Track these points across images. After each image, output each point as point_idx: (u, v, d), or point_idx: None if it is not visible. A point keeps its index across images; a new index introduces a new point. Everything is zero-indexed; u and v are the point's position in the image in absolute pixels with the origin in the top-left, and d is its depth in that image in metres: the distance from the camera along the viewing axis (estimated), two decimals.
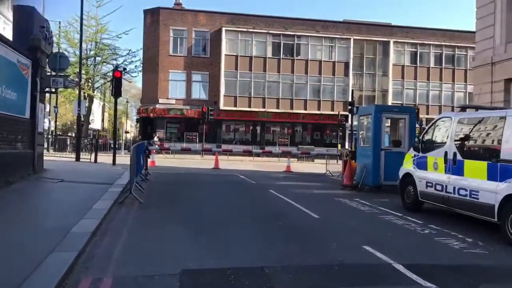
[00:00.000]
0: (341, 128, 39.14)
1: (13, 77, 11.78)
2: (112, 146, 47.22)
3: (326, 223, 8.33)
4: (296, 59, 40.18)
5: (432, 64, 42.68)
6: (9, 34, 13.50)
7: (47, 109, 44.52)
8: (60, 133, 70.02)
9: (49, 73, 14.56)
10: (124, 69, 19.89)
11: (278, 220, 8.31)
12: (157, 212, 8.85)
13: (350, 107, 23.81)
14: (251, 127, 41.06)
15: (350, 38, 40.97)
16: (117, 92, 18.22)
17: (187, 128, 40.11)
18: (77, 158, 21.37)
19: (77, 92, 28.35)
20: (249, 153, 30.31)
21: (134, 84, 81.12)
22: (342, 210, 10.00)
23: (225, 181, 15.54)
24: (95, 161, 20.99)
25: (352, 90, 29.56)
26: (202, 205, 9.87)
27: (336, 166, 21.71)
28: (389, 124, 15.09)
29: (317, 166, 27.07)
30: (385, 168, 13.49)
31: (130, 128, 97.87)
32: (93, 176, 14.23)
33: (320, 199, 11.87)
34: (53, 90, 14.40)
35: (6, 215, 7.43)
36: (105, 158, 23.00)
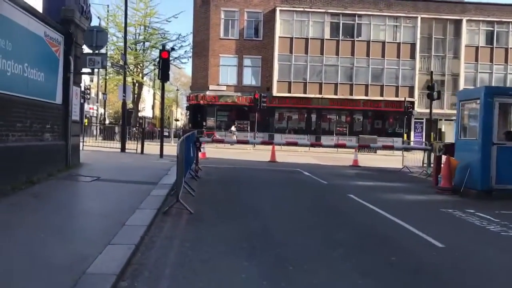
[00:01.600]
0: (406, 117, 35.63)
1: (40, 54, 9.74)
2: (160, 134, 46.28)
3: (461, 259, 5.61)
4: (357, 41, 36.86)
5: (511, 45, 38.06)
6: (38, 5, 11.50)
7: (95, 95, 43.68)
8: (113, 121, 70.18)
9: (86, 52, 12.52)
10: (173, 48, 17.70)
11: (385, 251, 5.69)
12: (212, 231, 6.46)
13: (429, 92, 20.55)
14: (305, 115, 38.28)
15: (417, 17, 37.12)
16: (164, 75, 16.06)
17: (238, 116, 37.92)
18: (122, 149, 19.56)
19: (127, 79, 26.77)
20: (312, 146, 27.82)
21: (184, 72, 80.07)
22: (465, 231, 7.21)
23: (290, 180, 13.02)
24: (142, 152, 19.09)
25: (432, 72, 25.93)
26: (271, 221, 7.37)
27: (409, 160, 18.68)
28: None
29: (385, 159, 24.06)
30: (497, 168, 10.51)
31: (180, 116, 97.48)
32: (136, 172, 12.12)
33: (422, 210, 9.10)
34: (90, 71, 12.36)
35: None
36: (152, 148, 21.10)
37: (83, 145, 19.05)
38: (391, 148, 21.61)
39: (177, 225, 6.75)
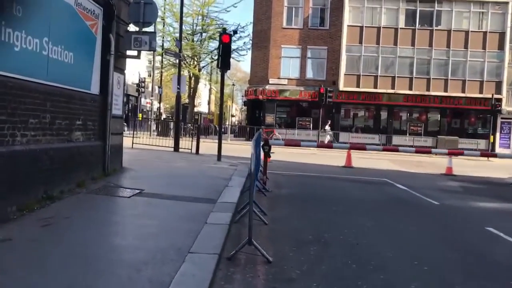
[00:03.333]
0: (491, 116, 31.31)
1: (67, 27, 7.39)
2: (216, 130, 44.02)
3: None
4: (436, 30, 32.78)
5: None
6: None
7: (151, 89, 42.24)
8: (169, 116, 69.37)
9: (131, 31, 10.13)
10: (235, 31, 15.05)
11: None
12: None
13: None
14: (374, 112, 34.70)
15: (507, 2, 32.48)
16: (224, 62, 13.50)
17: (299, 112, 34.96)
18: (176, 148, 17.28)
19: (183, 72, 24.42)
20: (386, 151, 24.24)
21: (239, 67, 78.14)
22: None
23: (389, 199, 9.92)
24: (197, 151, 16.71)
25: None
26: None
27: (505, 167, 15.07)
28: None
29: (474, 165, 20.41)
30: None
31: (235, 111, 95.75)
32: (189, 181, 9.61)
33: None
34: (135, 54, 9.96)
35: None
36: (208, 146, 18.72)
37: (132, 143, 16.99)
38: (493, 156, 17.91)
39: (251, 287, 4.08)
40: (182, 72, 19.08)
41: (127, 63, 10.47)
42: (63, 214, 5.90)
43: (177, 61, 19.77)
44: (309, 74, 34.43)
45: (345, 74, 33.12)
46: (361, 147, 16.16)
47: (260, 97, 34.47)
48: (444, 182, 13.71)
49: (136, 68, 40.55)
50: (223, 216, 6.60)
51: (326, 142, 29.68)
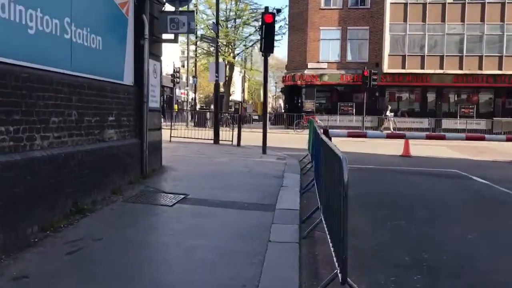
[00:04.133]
0: None
1: (94, 7, 6.24)
2: (252, 119, 42.70)
3: None
4: (488, 3, 30.26)
5: None
6: None
7: (186, 79, 41.31)
8: (203, 106, 68.58)
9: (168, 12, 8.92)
10: (278, 10, 13.67)
11: None
12: None
13: None
14: (421, 95, 32.59)
15: None
16: (268, 45, 12.15)
17: (341, 97, 33.24)
18: (216, 140, 16.15)
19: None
20: (432, 138, 22.15)
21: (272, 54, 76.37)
22: None
23: (477, 197, 8.24)
24: (238, 143, 15.54)
25: None
26: None
27: None
28: None
29: None
30: None
31: (269, 100, 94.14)
32: (237, 181, 8.39)
33: None
34: (172, 37, 8.76)
35: None
36: (247, 136, 17.47)
37: (170, 136, 15.97)
38: None
39: None
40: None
41: (163, 49, 9.29)
42: (95, 234, 4.77)
43: (213, 48, 18.63)
44: (350, 57, 32.61)
45: (389, 55, 31.13)
46: (440, 137, 13.75)
47: (299, 82, 32.97)
48: None
49: (170, 58, 39.68)
50: (288, 230, 5.35)
51: (391, 129, 28.03)
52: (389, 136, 13.02)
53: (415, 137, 13.82)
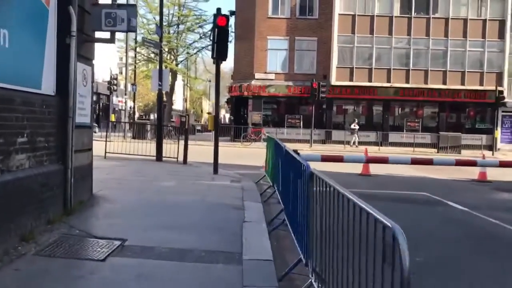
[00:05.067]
0: (491, 109, 29.44)
1: None
2: (195, 130, 40.88)
3: None
4: (433, 18, 30.65)
5: None
6: None
7: (124, 87, 38.84)
8: (142, 114, 65.70)
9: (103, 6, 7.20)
10: (232, 12, 12.29)
11: None
12: None
13: None
14: (368, 108, 32.38)
15: None
16: (221, 50, 10.67)
17: (288, 110, 32.37)
18: (158, 158, 14.37)
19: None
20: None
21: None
22: None
23: (466, 232, 7.09)
24: (184, 161, 13.87)
25: None
26: None
27: None
28: None
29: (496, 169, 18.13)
30: None
31: (211, 109, 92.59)
32: (189, 216, 6.75)
33: None
34: (108, 37, 7.07)
35: None
36: (190, 149, 15.72)
37: (105, 152, 14.02)
38: None
39: None
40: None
41: (96, 51, 7.52)
42: None
43: (154, 54, 16.90)
44: (298, 68, 31.82)
45: (337, 67, 30.66)
46: (427, 161, 11.67)
47: (245, 93, 31.71)
48: (494, 195, 11.30)
49: (107, 63, 37.14)
50: None
51: (357, 145, 27.59)
52: (369, 160, 11.80)
53: (399, 161, 12.56)
